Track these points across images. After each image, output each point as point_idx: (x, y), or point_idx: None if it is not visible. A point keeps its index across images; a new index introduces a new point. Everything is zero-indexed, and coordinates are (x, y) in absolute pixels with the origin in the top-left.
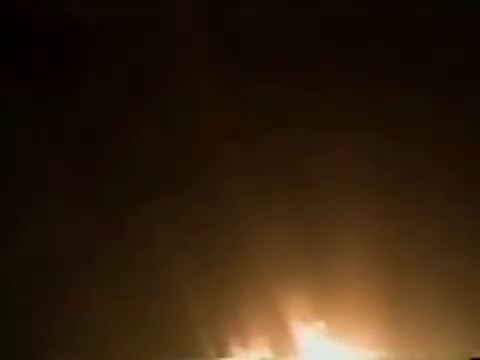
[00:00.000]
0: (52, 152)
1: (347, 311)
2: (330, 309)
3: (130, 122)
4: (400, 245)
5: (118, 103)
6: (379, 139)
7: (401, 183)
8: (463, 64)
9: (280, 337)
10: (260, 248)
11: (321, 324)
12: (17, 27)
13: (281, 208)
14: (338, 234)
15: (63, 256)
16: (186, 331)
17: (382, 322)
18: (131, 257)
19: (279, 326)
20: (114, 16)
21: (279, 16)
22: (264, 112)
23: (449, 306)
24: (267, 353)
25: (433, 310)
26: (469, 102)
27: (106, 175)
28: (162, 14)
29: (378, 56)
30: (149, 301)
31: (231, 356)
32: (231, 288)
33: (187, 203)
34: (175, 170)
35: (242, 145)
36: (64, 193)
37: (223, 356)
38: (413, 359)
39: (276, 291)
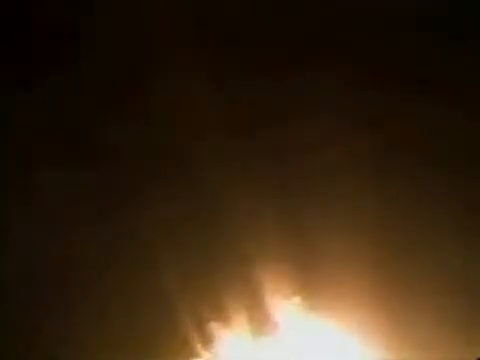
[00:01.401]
0: (37, 150)
1: (331, 290)
2: (313, 288)
3: (117, 119)
4: (395, 227)
5: (107, 100)
6: (377, 139)
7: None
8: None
9: (260, 315)
10: (242, 229)
11: (302, 301)
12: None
13: (264, 190)
14: (324, 214)
15: (53, 256)
16: (166, 311)
17: (375, 309)
18: (118, 251)
19: (259, 304)
20: (102, 14)
21: (275, 13)
22: (257, 109)
23: (451, 304)
24: (247, 332)
25: (435, 309)
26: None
27: (94, 173)
28: (150, 12)
29: (378, 56)
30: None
31: (211, 335)
32: (212, 267)
33: (173, 195)
34: (165, 164)
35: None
36: (52, 193)
37: (203, 336)
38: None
39: (257, 269)
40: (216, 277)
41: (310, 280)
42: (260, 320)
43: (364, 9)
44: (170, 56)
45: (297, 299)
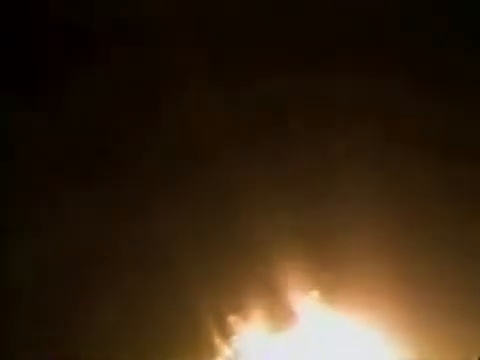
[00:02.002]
0: (55, 153)
1: (349, 285)
2: (331, 282)
3: (132, 122)
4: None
5: (119, 104)
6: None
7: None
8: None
9: (280, 310)
10: (261, 226)
11: (321, 296)
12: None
13: (282, 189)
14: (344, 211)
15: (70, 256)
16: (187, 309)
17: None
18: (137, 252)
19: (279, 299)
20: (111, 19)
21: (278, 14)
22: (264, 110)
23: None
24: (267, 327)
25: (454, 307)
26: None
27: (111, 174)
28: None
29: (379, 54)
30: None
31: (231, 331)
32: (231, 264)
33: (189, 193)
34: (177, 167)
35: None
36: (70, 193)
37: (224, 331)
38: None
39: (276, 264)
40: (235, 273)
41: (328, 275)
42: (279, 315)
43: (364, 8)
44: (173, 62)
45: (316, 294)
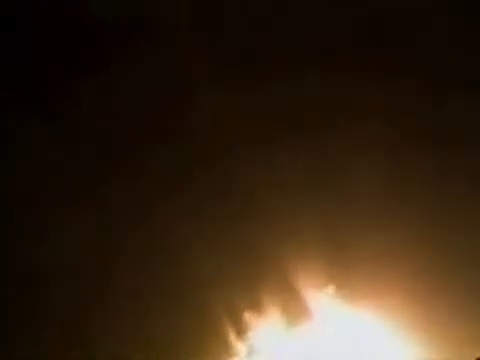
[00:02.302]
0: (71, 153)
1: (364, 280)
2: (346, 278)
3: (132, 122)
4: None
5: (119, 104)
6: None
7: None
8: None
9: (294, 304)
10: (276, 222)
11: (336, 292)
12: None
13: (296, 189)
14: (359, 211)
15: (89, 257)
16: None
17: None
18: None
19: (293, 294)
20: (111, 19)
21: (282, 16)
22: (274, 112)
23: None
24: (282, 322)
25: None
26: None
27: (125, 177)
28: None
29: (379, 54)
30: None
31: (246, 327)
32: (245, 259)
33: (207, 194)
34: (193, 169)
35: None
36: (88, 193)
37: (239, 328)
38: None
39: (290, 258)
40: (250, 270)
41: (343, 270)
42: (294, 311)
43: (364, 8)
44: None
45: (331, 289)
